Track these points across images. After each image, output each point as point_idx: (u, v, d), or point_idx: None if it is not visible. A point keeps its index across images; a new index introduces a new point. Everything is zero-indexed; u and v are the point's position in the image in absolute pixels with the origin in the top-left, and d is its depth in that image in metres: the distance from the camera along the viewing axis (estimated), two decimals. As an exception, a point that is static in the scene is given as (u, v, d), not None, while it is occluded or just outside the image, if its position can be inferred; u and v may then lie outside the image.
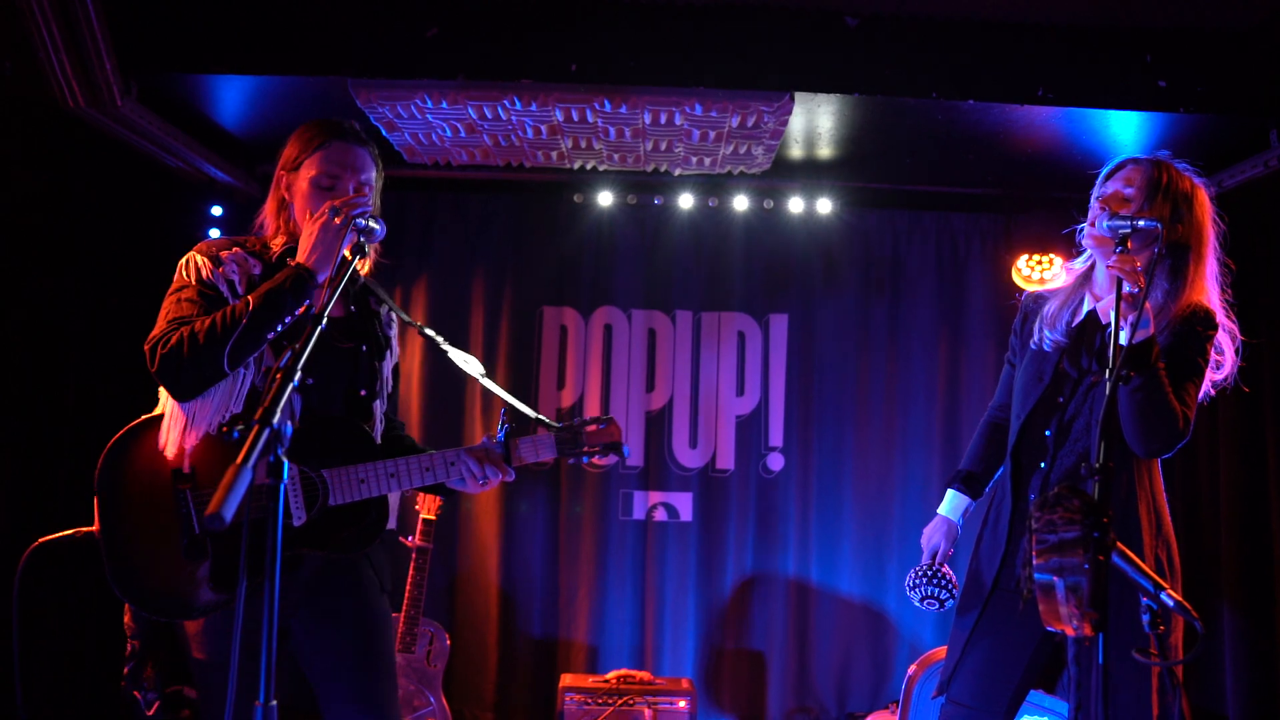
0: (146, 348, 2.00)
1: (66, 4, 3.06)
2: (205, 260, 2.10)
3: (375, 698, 2.14)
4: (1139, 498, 2.24)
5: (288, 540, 2.04)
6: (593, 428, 2.13)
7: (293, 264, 2.00)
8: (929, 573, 2.56)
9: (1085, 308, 2.37)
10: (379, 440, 2.21)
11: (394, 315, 2.30)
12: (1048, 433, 2.33)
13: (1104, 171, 2.35)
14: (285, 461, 1.34)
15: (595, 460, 2.14)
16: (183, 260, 2.13)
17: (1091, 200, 2.35)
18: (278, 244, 2.17)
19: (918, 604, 2.59)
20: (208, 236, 4.31)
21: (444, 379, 4.57)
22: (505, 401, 2.20)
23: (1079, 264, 2.44)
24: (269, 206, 2.22)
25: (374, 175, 2.20)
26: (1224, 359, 2.29)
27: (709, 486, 4.62)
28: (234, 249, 2.13)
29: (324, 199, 2.11)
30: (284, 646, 2.15)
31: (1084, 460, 2.26)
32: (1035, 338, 2.40)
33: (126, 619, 2.16)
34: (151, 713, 2.30)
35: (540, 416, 2.16)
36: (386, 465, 2.06)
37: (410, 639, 3.90)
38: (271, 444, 1.32)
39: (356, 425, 2.12)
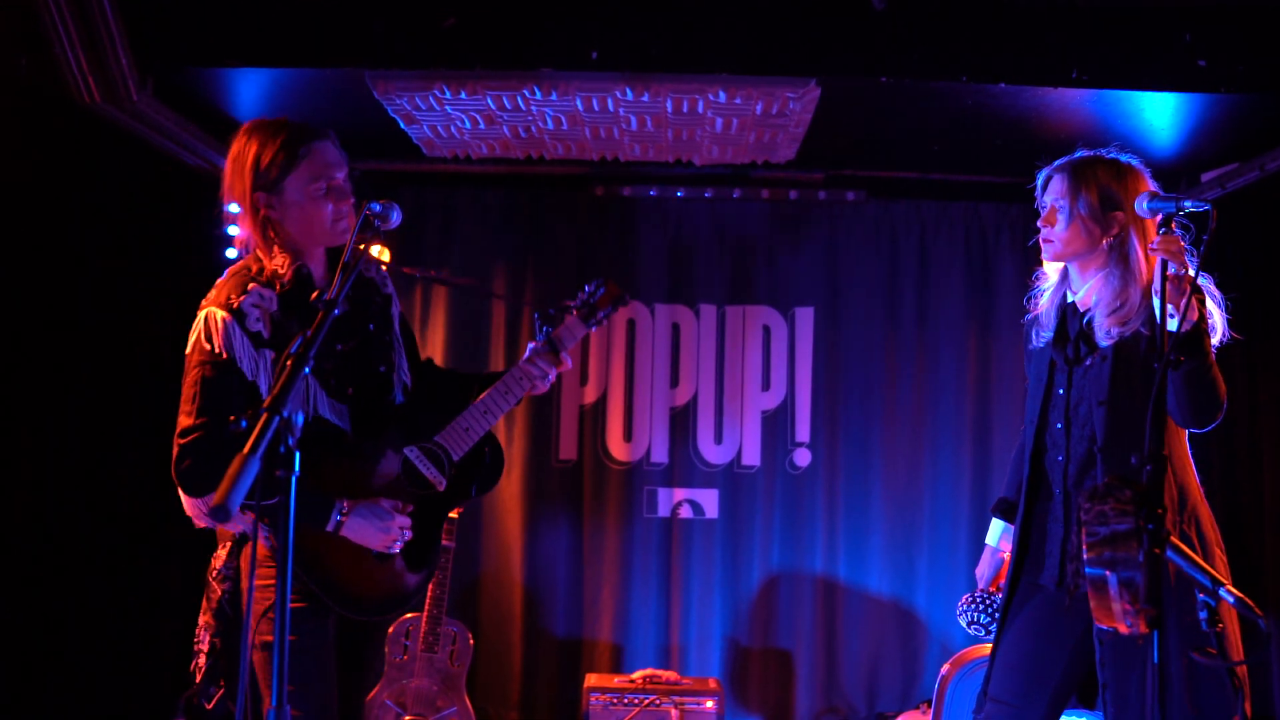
0: (178, 442, 2.03)
1: (82, -2, 3.03)
2: (223, 321, 2.06)
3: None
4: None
5: (443, 506, 2.29)
6: (599, 294, 2.45)
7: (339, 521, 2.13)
8: (978, 600, 2.64)
9: (1068, 300, 2.40)
10: (412, 391, 2.35)
11: (386, 273, 2.35)
12: (1059, 425, 2.33)
13: (1039, 183, 2.41)
14: (298, 452, 1.28)
15: (612, 317, 2.48)
16: (200, 316, 2.10)
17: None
18: (282, 266, 2.14)
19: (966, 628, 2.67)
20: (226, 234, 4.26)
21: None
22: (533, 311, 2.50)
23: (1053, 267, 2.47)
24: (251, 235, 2.17)
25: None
26: (1214, 321, 2.26)
27: (735, 483, 4.55)
28: (250, 287, 2.10)
29: (327, 203, 2.13)
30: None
31: (1093, 444, 2.26)
32: (1032, 342, 2.46)
33: (207, 617, 2.17)
34: (211, 705, 2.31)
35: (560, 306, 2.45)
36: (478, 405, 2.29)
37: (433, 639, 3.86)
38: (282, 433, 1.26)
39: (438, 380, 2.39)
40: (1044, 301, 2.47)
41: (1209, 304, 2.23)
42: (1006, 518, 2.61)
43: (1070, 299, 2.40)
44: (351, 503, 2.10)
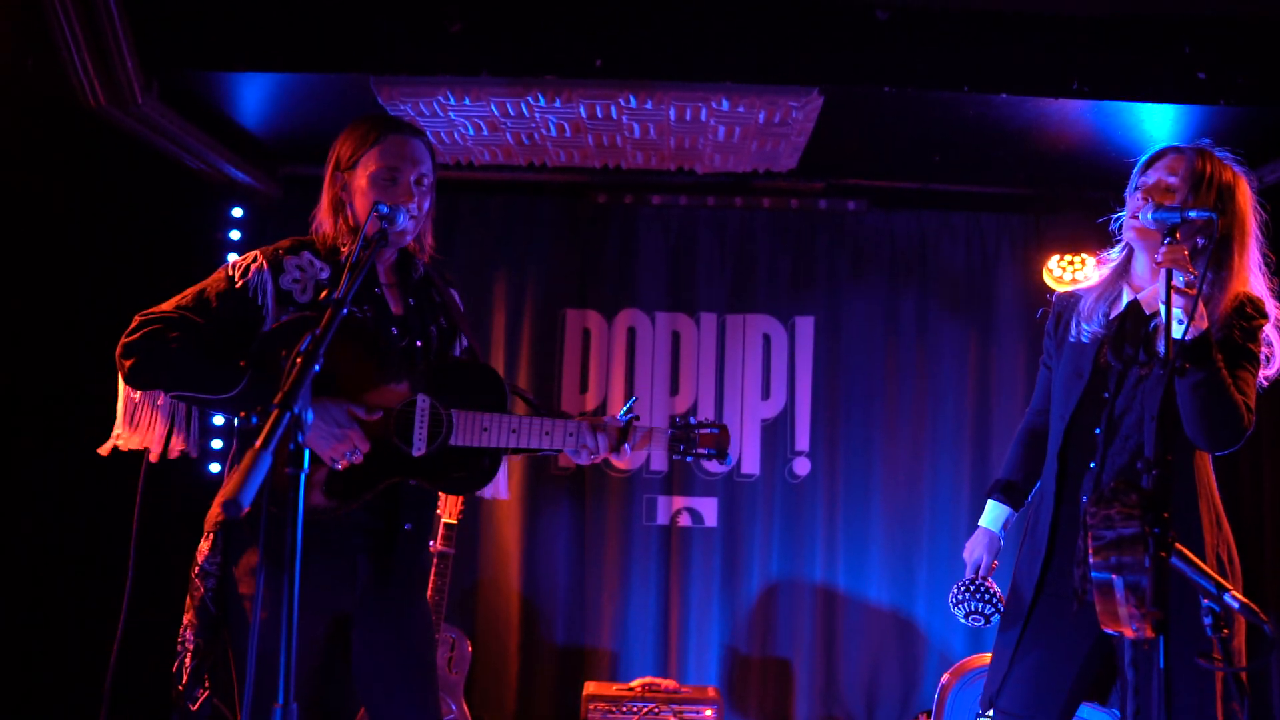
0: (140, 314, 2.00)
1: (88, 1, 3.04)
2: (256, 267, 2.09)
3: (432, 704, 2.17)
4: (1199, 495, 2.17)
5: (402, 468, 2.06)
6: (705, 431, 2.21)
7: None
8: (973, 587, 2.47)
9: (1125, 299, 2.30)
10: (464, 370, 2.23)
11: (462, 309, 2.34)
12: (1097, 430, 2.24)
13: (1143, 160, 2.29)
14: (306, 450, 1.28)
15: (703, 462, 2.23)
16: (243, 255, 2.13)
17: (1130, 190, 2.28)
18: (346, 242, 2.17)
19: (963, 620, 2.49)
20: (228, 238, 4.28)
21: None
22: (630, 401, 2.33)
23: (1113, 256, 2.37)
24: (324, 208, 2.21)
25: (431, 167, 2.23)
26: (1273, 351, 2.22)
27: (734, 491, 4.54)
28: (302, 253, 2.14)
29: (385, 193, 2.12)
30: (338, 637, 2.14)
31: (1138, 457, 2.18)
32: (1072, 333, 2.33)
33: (190, 615, 2.13)
34: (196, 707, 2.27)
35: (670, 417, 2.26)
36: (510, 420, 2.10)
37: (431, 645, 3.85)
38: (292, 430, 1.26)
39: (494, 375, 2.16)
40: (1093, 286, 2.35)
41: (1267, 328, 2.18)
42: (1008, 499, 2.49)
43: (1131, 297, 2.29)
44: (316, 399, 1.90)
